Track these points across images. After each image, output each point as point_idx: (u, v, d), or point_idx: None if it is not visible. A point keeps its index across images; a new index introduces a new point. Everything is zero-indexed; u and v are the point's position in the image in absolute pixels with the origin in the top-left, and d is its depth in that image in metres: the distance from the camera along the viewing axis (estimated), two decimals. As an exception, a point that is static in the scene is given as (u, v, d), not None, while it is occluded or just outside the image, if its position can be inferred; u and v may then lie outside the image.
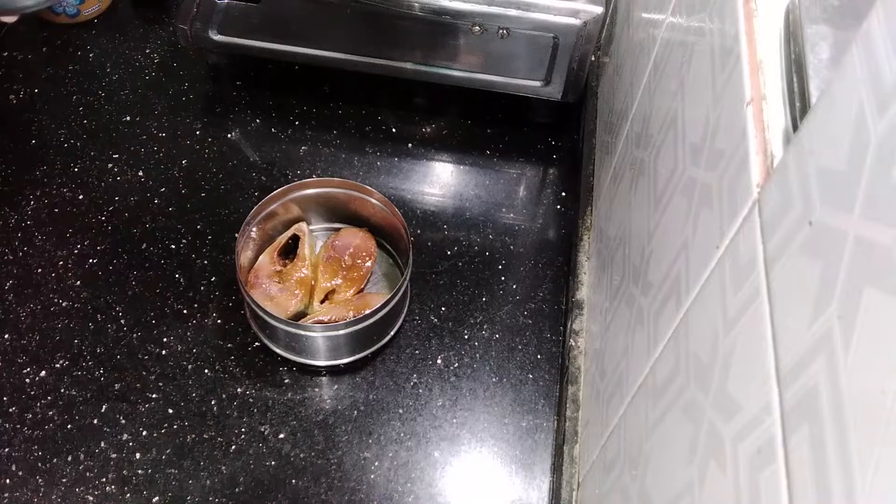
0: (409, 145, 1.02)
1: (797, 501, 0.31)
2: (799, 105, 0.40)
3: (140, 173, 0.97)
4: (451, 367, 0.85)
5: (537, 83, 0.95)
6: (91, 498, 0.75)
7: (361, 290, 0.87)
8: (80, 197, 0.95)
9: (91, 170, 0.97)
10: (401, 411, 0.82)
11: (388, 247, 0.91)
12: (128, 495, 0.75)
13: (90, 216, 0.93)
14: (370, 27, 0.93)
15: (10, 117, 1.01)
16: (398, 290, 0.79)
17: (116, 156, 0.99)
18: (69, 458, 0.77)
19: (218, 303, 0.87)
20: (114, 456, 0.77)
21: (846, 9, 0.42)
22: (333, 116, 1.04)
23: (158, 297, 0.87)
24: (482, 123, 1.05)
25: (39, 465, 0.76)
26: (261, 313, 0.78)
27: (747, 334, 0.38)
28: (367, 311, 0.78)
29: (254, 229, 0.85)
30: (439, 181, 1.00)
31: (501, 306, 0.89)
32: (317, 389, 0.83)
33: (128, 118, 1.02)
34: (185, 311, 0.86)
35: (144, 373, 0.82)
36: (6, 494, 0.74)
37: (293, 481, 0.77)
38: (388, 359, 0.85)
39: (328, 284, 0.86)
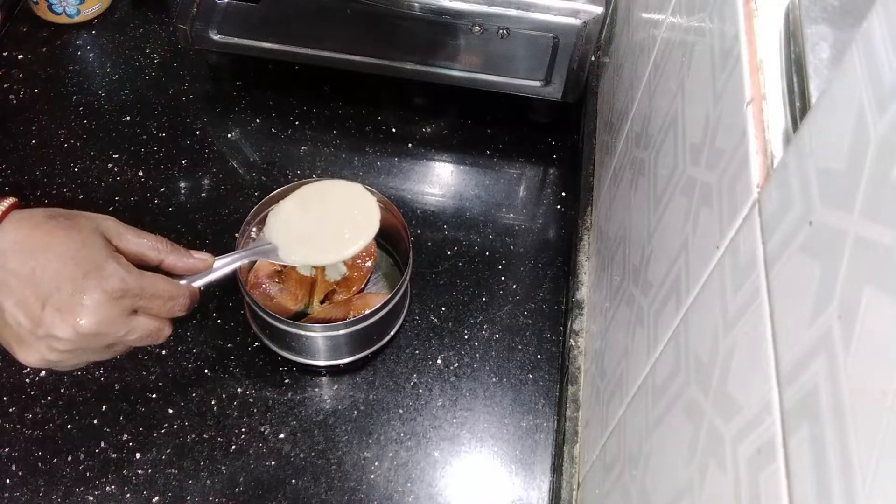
0: (409, 145, 1.02)
1: (797, 501, 0.31)
2: (799, 105, 0.41)
3: (140, 173, 0.97)
4: (451, 367, 0.85)
5: (537, 83, 0.95)
6: (91, 498, 0.75)
7: (361, 290, 0.87)
8: (81, 197, 0.95)
9: (91, 170, 0.97)
10: (401, 411, 0.82)
11: (388, 247, 0.91)
12: (128, 495, 0.75)
13: (90, 216, 0.93)
14: (370, 27, 0.93)
15: (10, 117, 1.01)
16: (398, 290, 0.79)
17: (116, 156, 0.99)
18: (69, 458, 0.77)
19: (218, 303, 0.87)
20: (114, 456, 0.77)
21: (846, 9, 0.42)
22: (333, 116, 1.04)
23: (158, 297, 0.87)
24: (482, 123, 1.05)
25: (39, 465, 0.76)
26: (261, 313, 0.78)
27: (747, 334, 0.38)
28: (367, 311, 0.78)
29: (254, 229, 0.85)
30: (439, 181, 1.00)
31: (501, 306, 0.89)
32: (317, 389, 0.83)
33: (128, 118, 1.02)
34: (185, 311, 0.86)
35: (144, 373, 0.82)
36: (6, 494, 0.74)
37: (293, 481, 0.77)
38: (388, 359, 0.85)
39: (328, 284, 0.86)
